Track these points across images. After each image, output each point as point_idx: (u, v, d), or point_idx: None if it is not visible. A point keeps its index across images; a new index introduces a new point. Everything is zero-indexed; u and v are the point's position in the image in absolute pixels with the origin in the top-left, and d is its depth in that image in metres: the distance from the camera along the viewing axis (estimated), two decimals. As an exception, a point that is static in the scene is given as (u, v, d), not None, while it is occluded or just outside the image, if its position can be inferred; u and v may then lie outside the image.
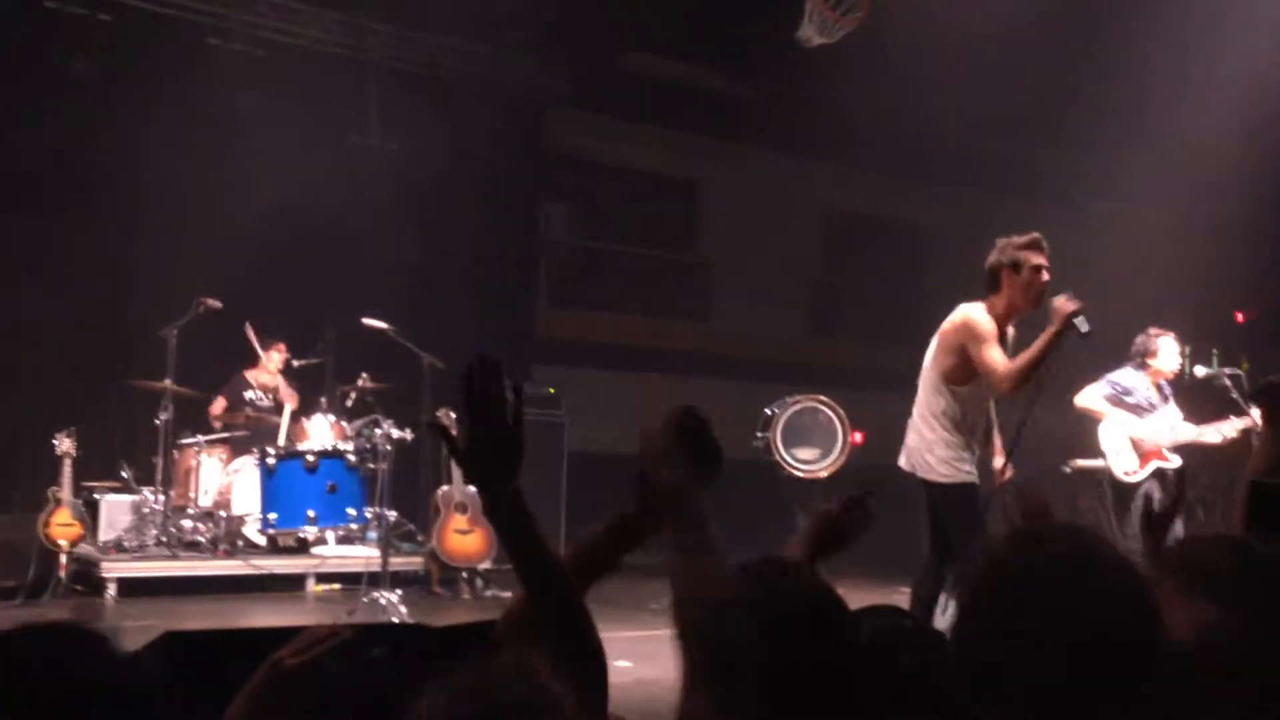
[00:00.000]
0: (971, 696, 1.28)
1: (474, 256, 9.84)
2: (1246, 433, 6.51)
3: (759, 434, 8.29)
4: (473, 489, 7.80)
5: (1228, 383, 6.66)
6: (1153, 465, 6.64)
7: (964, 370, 4.93)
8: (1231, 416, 6.62)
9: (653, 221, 12.09)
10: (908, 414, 5.35)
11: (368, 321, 7.57)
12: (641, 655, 5.67)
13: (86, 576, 7.14)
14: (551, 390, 9.15)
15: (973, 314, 4.88)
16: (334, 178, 9.25)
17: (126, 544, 7.55)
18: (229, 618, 6.43)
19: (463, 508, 7.65)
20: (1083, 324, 4.57)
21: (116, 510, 7.73)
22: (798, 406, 8.23)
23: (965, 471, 4.97)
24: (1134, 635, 1.23)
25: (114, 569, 7.09)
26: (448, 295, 9.42)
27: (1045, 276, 4.86)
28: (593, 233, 11.74)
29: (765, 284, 12.15)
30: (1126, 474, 6.64)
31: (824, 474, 8.14)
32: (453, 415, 7.66)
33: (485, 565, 7.67)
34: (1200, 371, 6.82)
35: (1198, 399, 6.89)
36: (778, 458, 8.12)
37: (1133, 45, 8.92)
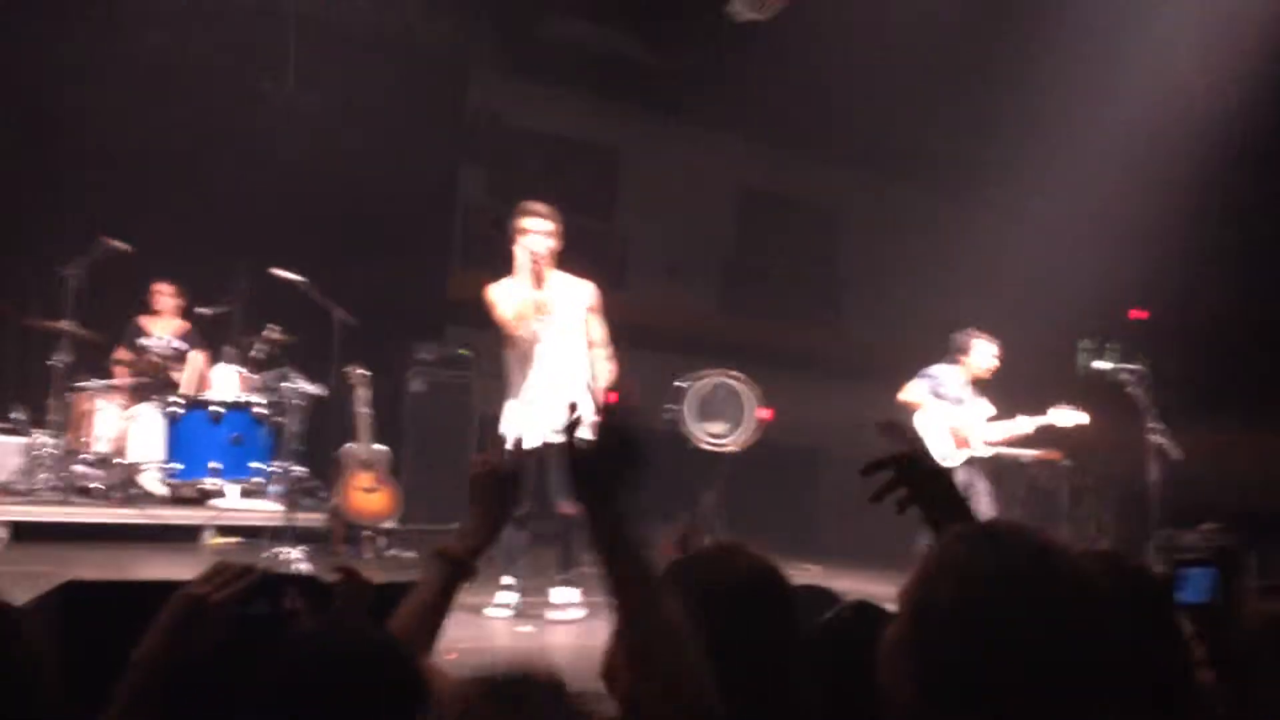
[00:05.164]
0: (922, 694, 1.26)
1: (389, 213, 9.71)
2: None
3: (669, 406, 8.35)
4: (380, 447, 7.75)
5: (1125, 377, 6.93)
6: (965, 453, 7.09)
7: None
8: (1062, 408, 7.12)
9: (572, 188, 12.01)
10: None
11: (278, 272, 7.42)
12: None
13: (-27, 519, 6.93)
14: (464, 351, 9.10)
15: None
16: (248, 124, 9.05)
17: (17, 487, 7.35)
18: (124, 567, 6.29)
19: (368, 465, 7.59)
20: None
21: (7, 452, 7.49)
22: (709, 380, 8.30)
23: None
24: (1090, 637, 1.24)
25: (3, 512, 6.87)
26: (362, 251, 9.29)
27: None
28: (510, 197, 11.63)
29: (680, 257, 12.21)
30: (942, 459, 6.97)
31: (733, 448, 8.23)
32: (361, 372, 7.61)
33: (389, 524, 7.62)
34: (1098, 365, 7.09)
35: (1095, 393, 7.13)
36: (687, 431, 8.19)
37: (1045, 41, 9.12)
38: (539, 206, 5.86)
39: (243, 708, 1.56)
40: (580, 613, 5.64)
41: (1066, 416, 7.06)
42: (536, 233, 5.75)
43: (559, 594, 5.71)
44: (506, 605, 5.65)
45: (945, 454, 7.10)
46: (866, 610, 1.99)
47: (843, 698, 1.76)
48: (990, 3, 8.94)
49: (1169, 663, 1.80)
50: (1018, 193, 11.11)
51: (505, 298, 5.75)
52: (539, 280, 5.72)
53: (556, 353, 5.77)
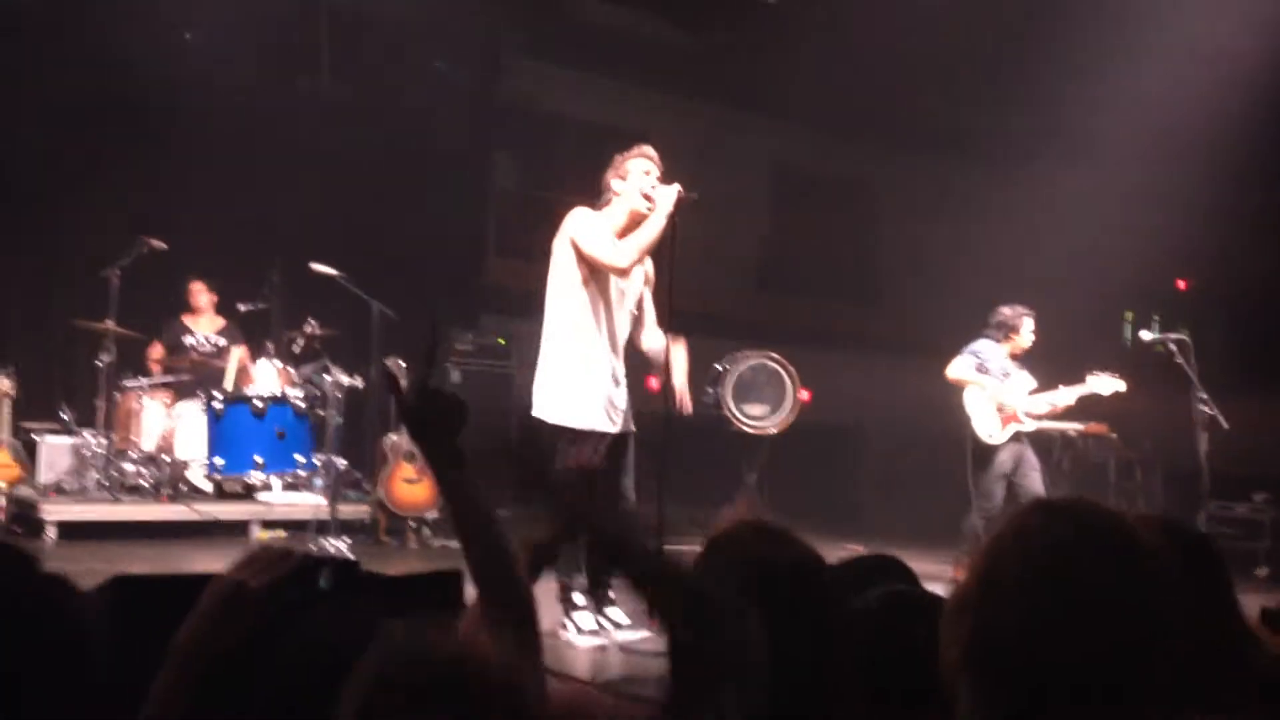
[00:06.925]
0: (971, 658, 1.25)
1: (424, 203, 9.73)
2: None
3: (708, 389, 8.32)
4: (421, 438, 7.78)
5: (1172, 347, 6.86)
6: (1011, 428, 7.09)
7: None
8: (1096, 376, 7.07)
9: (604, 173, 12.01)
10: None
11: (315, 267, 7.45)
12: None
13: (25, 518, 7.02)
14: (502, 341, 9.11)
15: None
16: (284, 119, 9.09)
17: (66, 487, 7.44)
18: (173, 563, 6.36)
19: (411, 456, 7.62)
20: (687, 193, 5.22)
21: (56, 452, 7.60)
22: (749, 363, 8.27)
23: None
24: (1167, 619, 1.23)
25: (54, 512, 6.98)
26: (397, 242, 9.32)
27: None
28: (543, 183, 11.65)
29: (715, 239, 12.15)
30: (989, 437, 7.09)
31: (773, 430, 8.19)
32: (402, 364, 7.65)
33: (432, 514, 7.66)
34: (1145, 336, 7.04)
35: (1142, 365, 7.06)
36: (727, 413, 8.16)
37: (1081, 10, 8.98)
38: (652, 149, 5.41)
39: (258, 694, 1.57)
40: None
41: (1105, 384, 7.03)
42: (651, 175, 5.33)
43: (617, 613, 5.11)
44: (593, 630, 4.98)
45: (991, 431, 7.09)
46: (901, 597, 1.96)
47: (882, 681, 1.73)
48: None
49: (1227, 636, 1.75)
50: (1057, 165, 10.98)
51: (607, 229, 5.26)
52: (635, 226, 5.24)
53: (621, 318, 5.36)
